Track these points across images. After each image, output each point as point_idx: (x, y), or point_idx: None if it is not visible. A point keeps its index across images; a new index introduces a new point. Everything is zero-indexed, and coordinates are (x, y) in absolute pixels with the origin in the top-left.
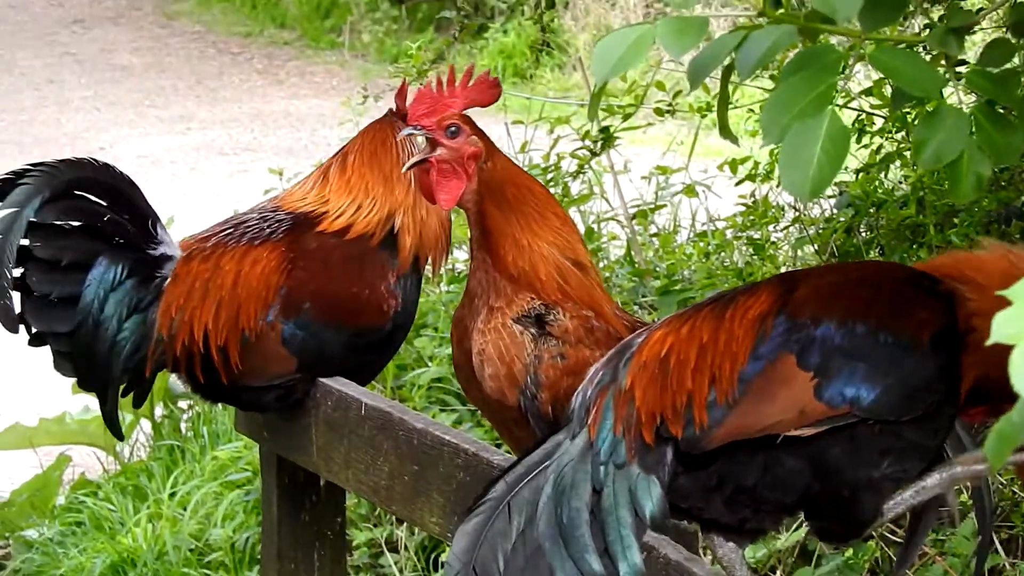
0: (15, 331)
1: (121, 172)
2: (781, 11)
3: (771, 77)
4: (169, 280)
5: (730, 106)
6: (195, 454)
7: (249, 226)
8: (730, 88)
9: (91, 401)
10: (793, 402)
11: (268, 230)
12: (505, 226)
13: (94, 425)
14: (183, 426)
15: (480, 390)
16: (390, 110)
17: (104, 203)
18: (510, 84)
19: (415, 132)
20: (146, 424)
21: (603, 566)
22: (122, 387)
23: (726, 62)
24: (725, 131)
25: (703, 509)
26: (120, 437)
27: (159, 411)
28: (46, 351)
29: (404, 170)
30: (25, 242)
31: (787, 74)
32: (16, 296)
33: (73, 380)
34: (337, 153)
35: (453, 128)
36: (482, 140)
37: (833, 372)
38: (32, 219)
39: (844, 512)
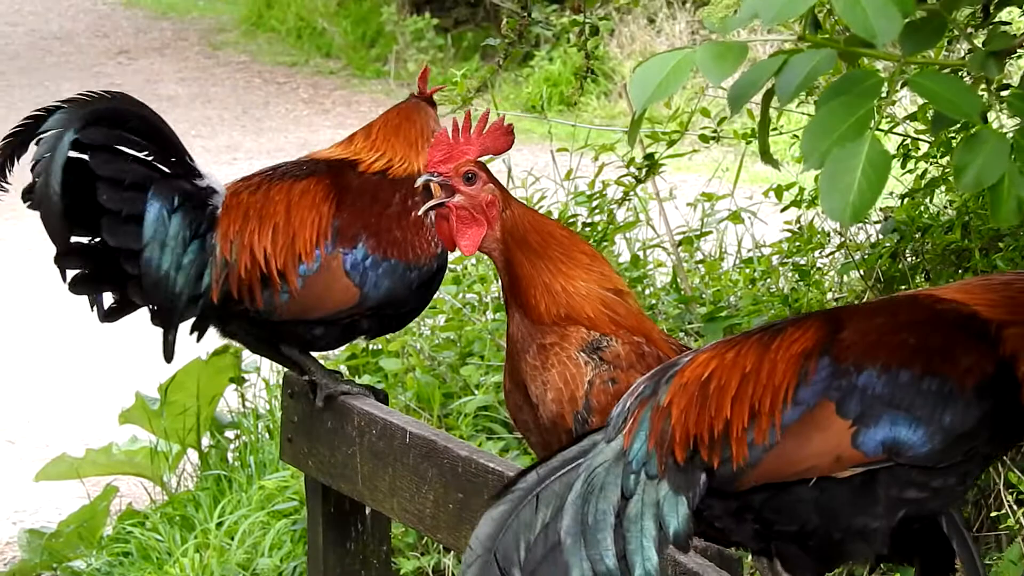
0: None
1: (149, 108)
2: (821, 35)
3: (814, 102)
4: (221, 210)
5: (776, 132)
6: (242, 484)
7: (287, 169)
8: (776, 114)
9: (138, 431)
10: (829, 448)
11: (308, 171)
12: (534, 273)
13: (141, 456)
14: (230, 456)
15: (535, 414)
16: (412, 94)
17: (142, 134)
18: (556, 112)
19: (432, 179)
20: (193, 454)
21: (619, 571)
22: (189, 319)
23: (766, 87)
24: (766, 156)
25: (733, 531)
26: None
27: (206, 441)
28: (94, 384)
29: (422, 212)
30: (85, 159)
31: (827, 99)
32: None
33: (119, 411)
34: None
35: (470, 175)
36: (497, 188)
37: (872, 421)
38: (80, 138)
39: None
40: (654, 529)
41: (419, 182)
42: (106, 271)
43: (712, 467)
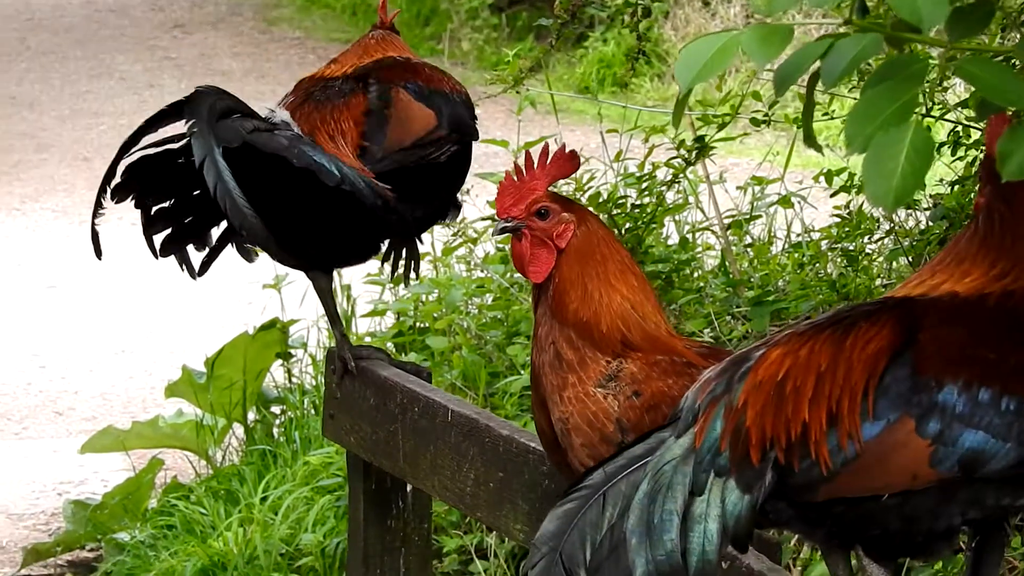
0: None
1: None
2: (869, 20)
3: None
4: None
5: (829, 117)
6: (287, 459)
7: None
8: (829, 99)
9: (184, 405)
10: (907, 468)
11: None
12: (583, 277)
13: (186, 429)
14: (275, 431)
15: (566, 459)
16: (374, 25)
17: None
18: (609, 93)
19: (507, 225)
20: (238, 428)
21: (681, 569)
22: None
23: (812, 70)
24: (810, 140)
25: (803, 533)
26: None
27: (252, 416)
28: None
29: (493, 233)
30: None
31: (871, 84)
32: None
33: (166, 384)
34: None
35: (543, 211)
36: (573, 211)
37: (951, 441)
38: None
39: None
40: (717, 528)
41: (493, 232)
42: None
43: (788, 470)
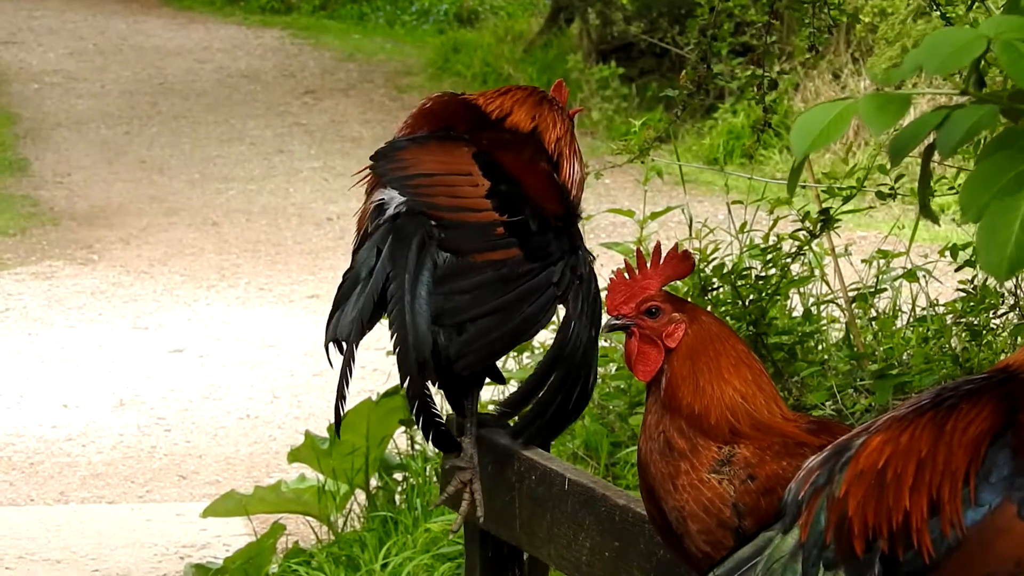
0: None
1: None
2: (985, 90)
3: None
4: None
5: (952, 190)
6: (408, 526)
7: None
8: (954, 172)
9: (307, 470)
10: (1010, 554)
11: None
12: (695, 374)
13: (308, 495)
14: (397, 497)
15: (682, 544)
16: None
17: None
18: (737, 165)
19: (616, 323)
20: (360, 494)
21: None
22: None
23: (927, 141)
24: (926, 210)
25: None
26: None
27: (374, 482)
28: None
29: (602, 331)
30: None
31: (987, 153)
32: None
33: (289, 450)
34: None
35: (653, 310)
36: (685, 310)
37: None
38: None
39: None
40: None
41: (602, 329)
42: None
43: (894, 560)
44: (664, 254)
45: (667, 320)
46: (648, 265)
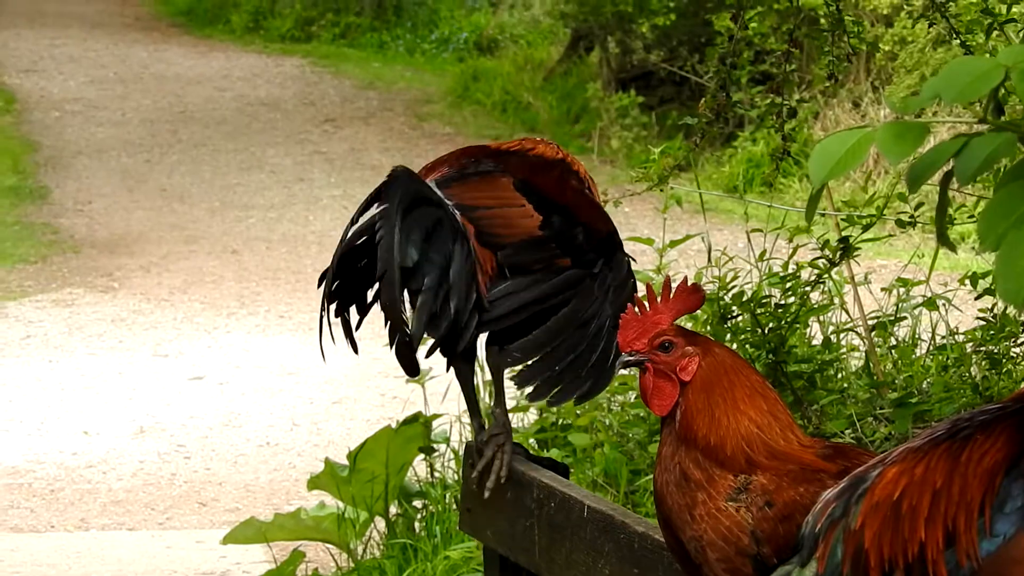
0: None
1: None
2: (1004, 119)
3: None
4: None
5: (973, 219)
6: (427, 553)
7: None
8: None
9: (326, 498)
10: None
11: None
12: (710, 406)
13: (328, 522)
14: (416, 525)
15: (700, 573)
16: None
17: None
18: (757, 193)
19: (630, 359)
20: (380, 522)
21: None
22: None
23: (945, 169)
24: (943, 238)
25: None
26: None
27: (393, 509)
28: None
29: (616, 367)
30: None
31: (1004, 182)
32: None
33: (308, 477)
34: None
35: (666, 344)
36: (698, 343)
37: None
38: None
39: None
40: None
41: (617, 367)
42: None
43: None
44: (674, 288)
45: (680, 354)
46: (659, 300)
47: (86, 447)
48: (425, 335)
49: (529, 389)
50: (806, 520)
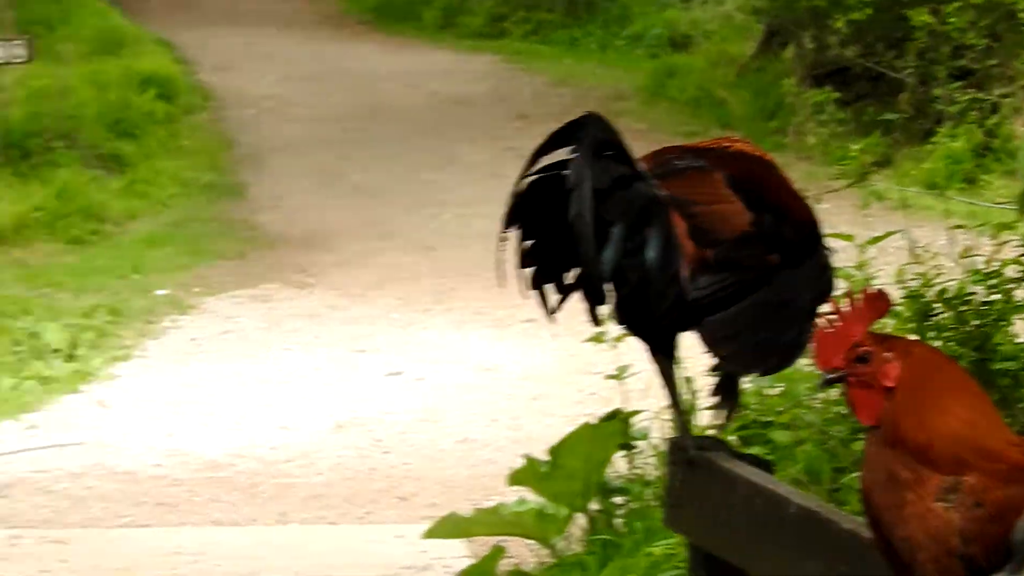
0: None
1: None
2: None
3: None
4: None
5: None
6: (629, 549)
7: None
8: None
9: (527, 494)
10: None
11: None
12: (916, 407)
13: (529, 517)
14: (617, 521)
15: (910, 573)
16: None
17: None
18: (957, 190)
19: (832, 377)
20: (580, 518)
21: None
22: None
23: None
24: None
25: None
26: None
27: (593, 505)
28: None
29: (818, 388)
30: None
31: None
32: None
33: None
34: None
35: (863, 356)
36: (895, 348)
37: None
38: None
39: None
40: None
41: (818, 386)
42: None
43: None
44: (861, 297)
45: (879, 361)
46: (849, 311)
47: (285, 441)
48: (613, 285)
49: (723, 354)
50: (1017, 526)
